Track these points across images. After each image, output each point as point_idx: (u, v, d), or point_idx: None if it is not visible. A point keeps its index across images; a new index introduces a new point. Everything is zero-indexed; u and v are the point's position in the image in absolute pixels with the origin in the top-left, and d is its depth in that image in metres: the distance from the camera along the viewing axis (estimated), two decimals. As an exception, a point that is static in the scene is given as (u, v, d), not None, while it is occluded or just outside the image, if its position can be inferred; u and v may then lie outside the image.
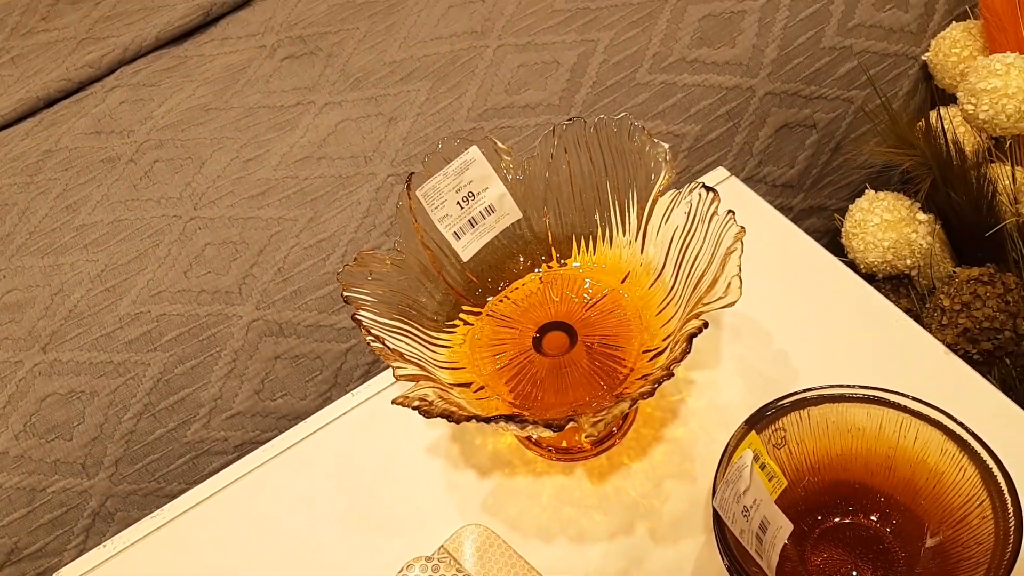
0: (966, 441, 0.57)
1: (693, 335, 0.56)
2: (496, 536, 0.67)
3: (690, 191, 0.66)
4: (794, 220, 1.10)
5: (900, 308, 0.83)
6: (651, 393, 0.56)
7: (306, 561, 0.70)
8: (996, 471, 0.55)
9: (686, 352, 0.56)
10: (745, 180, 1.05)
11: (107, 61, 1.20)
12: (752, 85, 1.01)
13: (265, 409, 0.89)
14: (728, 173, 0.89)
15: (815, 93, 1.03)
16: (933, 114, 1.03)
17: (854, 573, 0.60)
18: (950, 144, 0.86)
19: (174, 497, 0.75)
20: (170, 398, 0.87)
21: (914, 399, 0.59)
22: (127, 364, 0.88)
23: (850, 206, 0.94)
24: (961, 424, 0.57)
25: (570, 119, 0.71)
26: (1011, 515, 0.53)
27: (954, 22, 1.04)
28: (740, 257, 0.61)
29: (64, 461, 0.85)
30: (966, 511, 0.56)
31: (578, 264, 0.75)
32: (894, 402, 0.60)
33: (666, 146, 0.69)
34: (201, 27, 1.24)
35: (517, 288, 0.75)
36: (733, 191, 0.89)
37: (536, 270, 0.75)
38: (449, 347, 0.72)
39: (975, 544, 0.55)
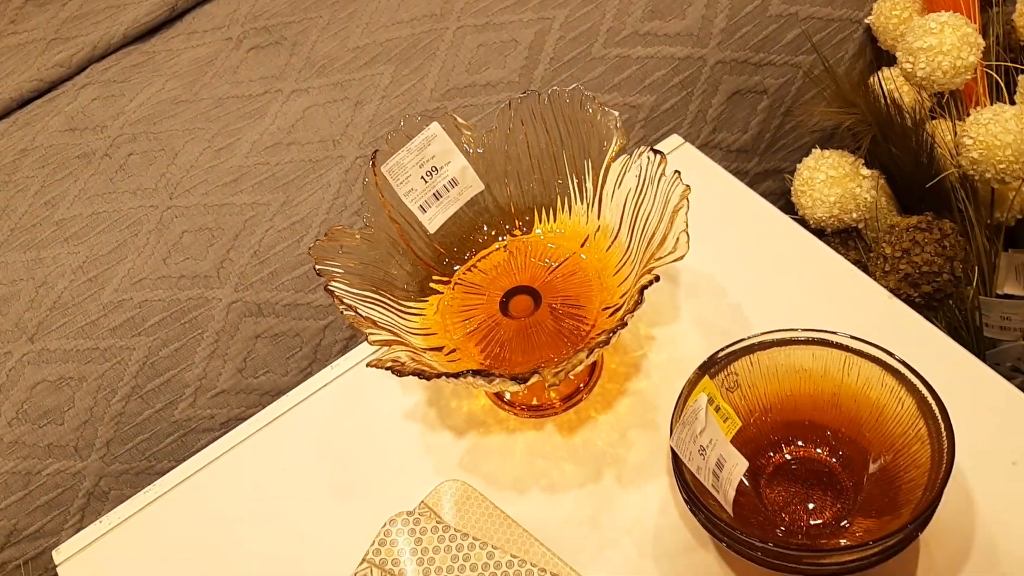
0: (903, 374, 0.61)
1: (644, 287, 0.60)
2: (473, 490, 0.71)
3: (639, 155, 0.69)
4: (750, 184, 1.14)
5: (849, 260, 0.86)
6: (607, 342, 0.59)
7: (294, 525, 0.73)
8: (930, 399, 0.59)
9: (639, 303, 0.59)
10: (701, 147, 1.08)
11: (77, 60, 1.22)
12: (703, 55, 1.05)
13: (248, 386, 0.92)
14: (682, 140, 0.93)
15: (764, 60, 1.06)
16: (878, 77, 1.07)
17: (811, 505, 0.64)
18: (889, 102, 0.90)
19: (165, 475, 0.78)
20: (156, 380, 0.90)
21: (854, 338, 0.63)
22: (113, 349, 0.90)
23: (798, 165, 0.98)
24: (897, 358, 0.61)
25: (525, 92, 0.74)
26: (944, 437, 0.57)
27: (895, -15, 1.08)
28: (687, 213, 0.64)
29: (57, 445, 0.88)
30: (906, 438, 0.60)
31: (540, 232, 0.78)
32: (836, 342, 0.63)
33: (616, 114, 0.72)
34: (167, 22, 1.26)
35: (484, 258, 0.78)
36: (688, 157, 0.92)
37: (501, 239, 0.78)
38: (422, 315, 0.75)
39: (914, 467, 0.59)
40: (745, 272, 0.81)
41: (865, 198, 0.91)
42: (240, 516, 0.74)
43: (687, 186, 0.65)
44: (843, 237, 0.93)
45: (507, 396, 0.77)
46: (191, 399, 0.90)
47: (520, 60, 1.04)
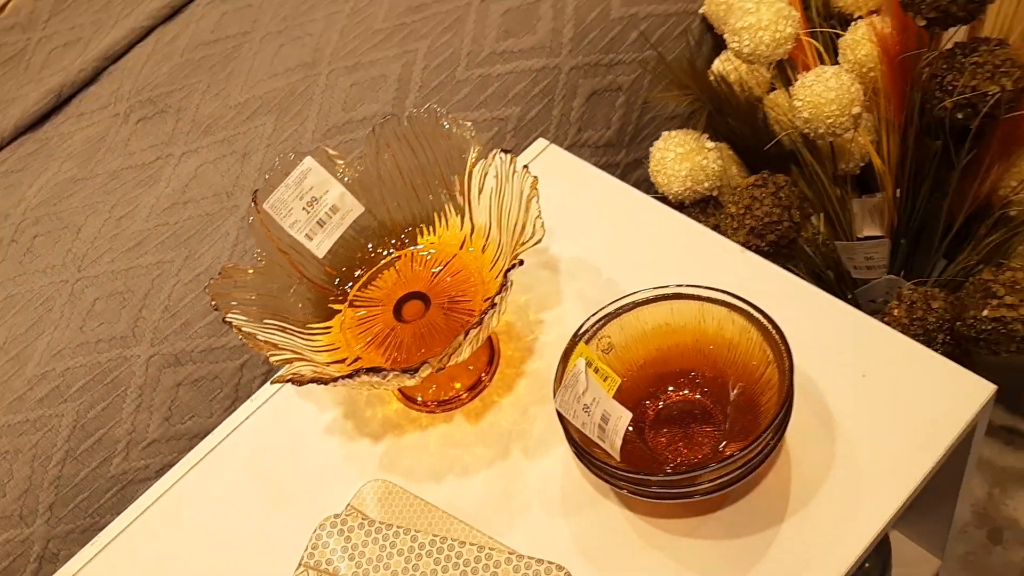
0: (746, 310, 0.67)
1: (507, 270, 0.66)
2: (394, 485, 0.75)
3: (493, 157, 0.75)
4: (622, 173, 1.21)
5: (708, 225, 0.94)
6: (480, 323, 0.65)
7: (234, 546, 0.77)
8: (769, 326, 0.65)
9: (504, 286, 0.65)
10: (570, 147, 1.15)
11: (-28, 157, 1.25)
12: (557, 63, 1.12)
13: (177, 433, 0.95)
14: (547, 143, 0.99)
15: (614, 60, 1.14)
16: (718, 60, 1.15)
17: (699, 441, 0.70)
18: (720, 80, 0.98)
19: (110, 527, 0.81)
20: (88, 440, 0.93)
21: (700, 287, 0.69)
22: (43, 419, 0.93)
23: (651, 149, 1.05)
24: (739, 298, 0.68)
25: (385, 118, 0.80)
26: (785, 356, 0.63)
27: (720, -24, 1.16)
28: (538, 201, 0.70)
29: (1, 516, 0.90)
30: (757, 364, 0.67)
31: (422, 243, 0.83)
32: (688, 294, 0.70)
33: (469, 124, 0.78)
34: (56, 109, 1.29)
35: (375, 274, 0.83)
36: (554, 157, 0.98)
37: (387, 253, 0.83)
38: (327, 334, 0.80)
39: (768, 389, 0.65)
40: (617, 250, 0.88)
41: (713, 168, 0.98)
42: (183, 548, 0.78)
43: (535, 177, 0.71)
44: (702, 206, 1.00)
45: (419, 399, 0.82)
46: (124, 453, 0.93)
47: (391, 93, 1.10)
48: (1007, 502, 1.38)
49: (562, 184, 0.95)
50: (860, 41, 1.00)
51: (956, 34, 0.86)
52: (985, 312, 0.80)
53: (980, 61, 0.79)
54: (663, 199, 1.02)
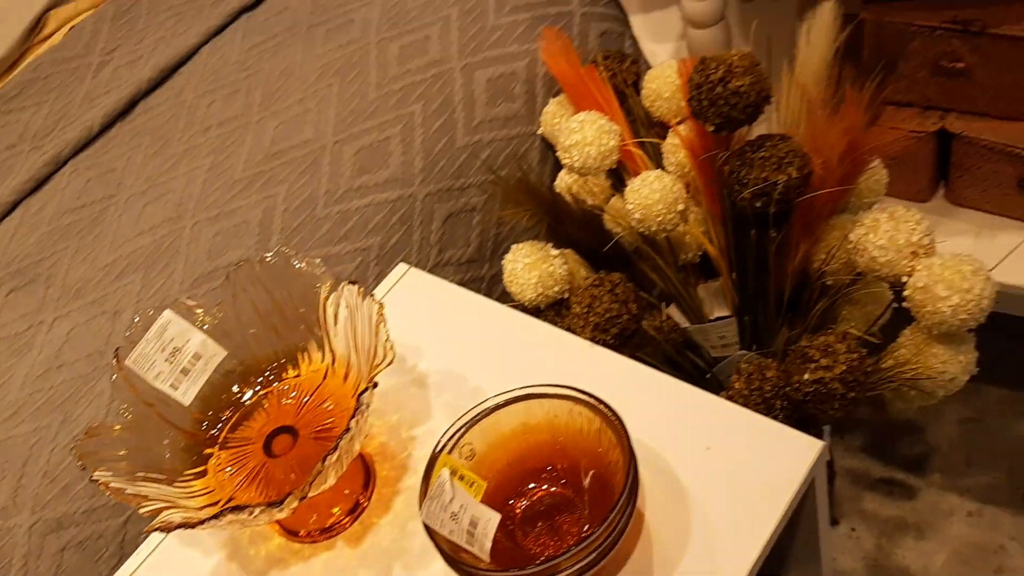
0: (586, 400, 0.71)
1: (360, 394, 0.68)
2: (280, 619, 0.75)
3: (341, 289, 0.79)
4: (488, 287, 1.25)
5: (563, 326, 0.98)
6: (336, 448, 0.67)
7: None
8: (607, 411, 0.69)
9: (357, 410, 0.68)
10: (435, 267, 1.20)
11: None
12: (412, 192, 1.17)
13: (64, 599, 0.92)
14: (408, 267, 1.03)
15: (464, 184, 1.20)
16: (560, 174, 1.23)
17: (574, 536, 0.72)
18: (556, 194, 1.05)
19: None
20: (-30, 621, 0.90)
21: (547, 385, 0.73)
22: (-81, 606, 0.90)
23: (502, 262, 1.11)
24: (577, 389, 0.72)
25: (237, 264, 0.83)
26: (624, 437, 0.67)
27: (552, 99, 1.25)
28: (386, 326, 0.73)
29: None
30: (605, 451, 0.70)
31: (288, 379, 0.85)
32: (535, 393, 0.73)
33: (319, 260, 0.81)
34: (-76, 290, 1.27)
35: (243, 414, 0.84)
36: (415, 279, 1.02)
37: (254, 392, 0.85)
38: (204, 477, 0.80)
39: (618, 471, 0.69)
40: (481, 360, 0.91)
41: (560, 273, 1.05)
42: None
43: (381, 304, 0.74)
44: (557, 308, 1.06)
45: (300, 532, 0.82)
46: (9, 628, 0.90)
47: (254, 237, 1.13)
48: (895, 551, 1.42)
49: (424, 304, 0.99)
50: (677, 145, 1.09)
51: (751, 132, 0.96)
52: (806, 376, 0.86)
53: (766, 155, 0.88)
54: (521, 306, 1.07)
